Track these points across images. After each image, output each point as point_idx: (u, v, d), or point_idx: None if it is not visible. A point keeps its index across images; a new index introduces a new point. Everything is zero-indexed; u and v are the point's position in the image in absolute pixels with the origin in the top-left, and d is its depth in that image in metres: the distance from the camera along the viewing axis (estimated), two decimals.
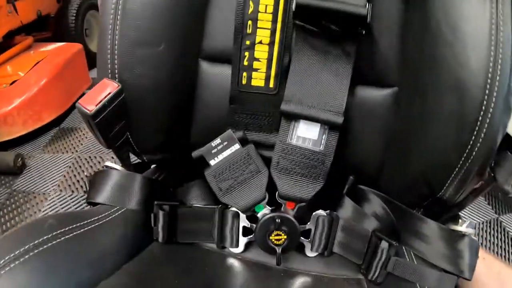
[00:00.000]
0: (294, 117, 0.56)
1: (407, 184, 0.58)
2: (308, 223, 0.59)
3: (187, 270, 0.55)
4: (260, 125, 0.59)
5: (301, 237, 0.58)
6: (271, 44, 0.56)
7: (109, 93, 0.49)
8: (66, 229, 0.48)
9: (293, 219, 0.56)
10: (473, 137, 0.48)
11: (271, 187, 0.57)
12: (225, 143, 0.57)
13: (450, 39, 0.47)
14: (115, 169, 0.58)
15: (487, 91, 0.46)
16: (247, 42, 0.56)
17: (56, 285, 0.43)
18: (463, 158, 0.50)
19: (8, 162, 1.49)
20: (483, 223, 1.34)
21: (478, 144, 0.48)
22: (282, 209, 0.58)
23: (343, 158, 0.59)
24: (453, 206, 0.57)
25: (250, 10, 0.55)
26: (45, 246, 0.45)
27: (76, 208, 1.32)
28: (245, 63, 0.57)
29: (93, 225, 0.52)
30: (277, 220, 0.55)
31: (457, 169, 0.51)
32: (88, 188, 0.59)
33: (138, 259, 0.55)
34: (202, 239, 0.61)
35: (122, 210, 0.56)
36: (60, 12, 2.39)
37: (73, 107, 1.92)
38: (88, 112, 0.47)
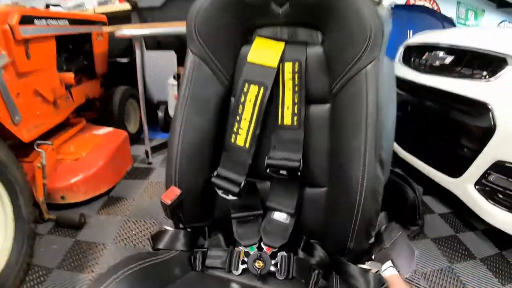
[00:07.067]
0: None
1: (337, 242, 0.80)
2: (276, 259, 0.86)
3: None
4: None
5: (272, 267, 0.85)
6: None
7: (176, 195, 0.83)
8: (141, 262, 0.73)
9: (268, 256, 0.86)
10: (357, 204, 0.68)
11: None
12: None
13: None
14: (169, 229, 0.89)
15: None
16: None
17: None
18: (353, 219, 0.69)
19: (73, 218, 1.77)
20: (435, 271, 1.36)
21: (361, 210, 0.67)
22: (263, 250, 0.88)
23: (300, 224, 0.88)
24: (364, 253, 0.79)
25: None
26: (130, 272, 0.69)
27: None
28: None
29: (157, 261, 0.77)
30: (259, 255, 0.86)
31: (351, 229, 0.71)
32: (152, 240, 0.88)
33: (177, 284, 0.79)
34: (219, 264, 0.88)
35: (174, 253, 0.84)
36: (106, 99, 2.73)
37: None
38: (167, 203, 0.81)
